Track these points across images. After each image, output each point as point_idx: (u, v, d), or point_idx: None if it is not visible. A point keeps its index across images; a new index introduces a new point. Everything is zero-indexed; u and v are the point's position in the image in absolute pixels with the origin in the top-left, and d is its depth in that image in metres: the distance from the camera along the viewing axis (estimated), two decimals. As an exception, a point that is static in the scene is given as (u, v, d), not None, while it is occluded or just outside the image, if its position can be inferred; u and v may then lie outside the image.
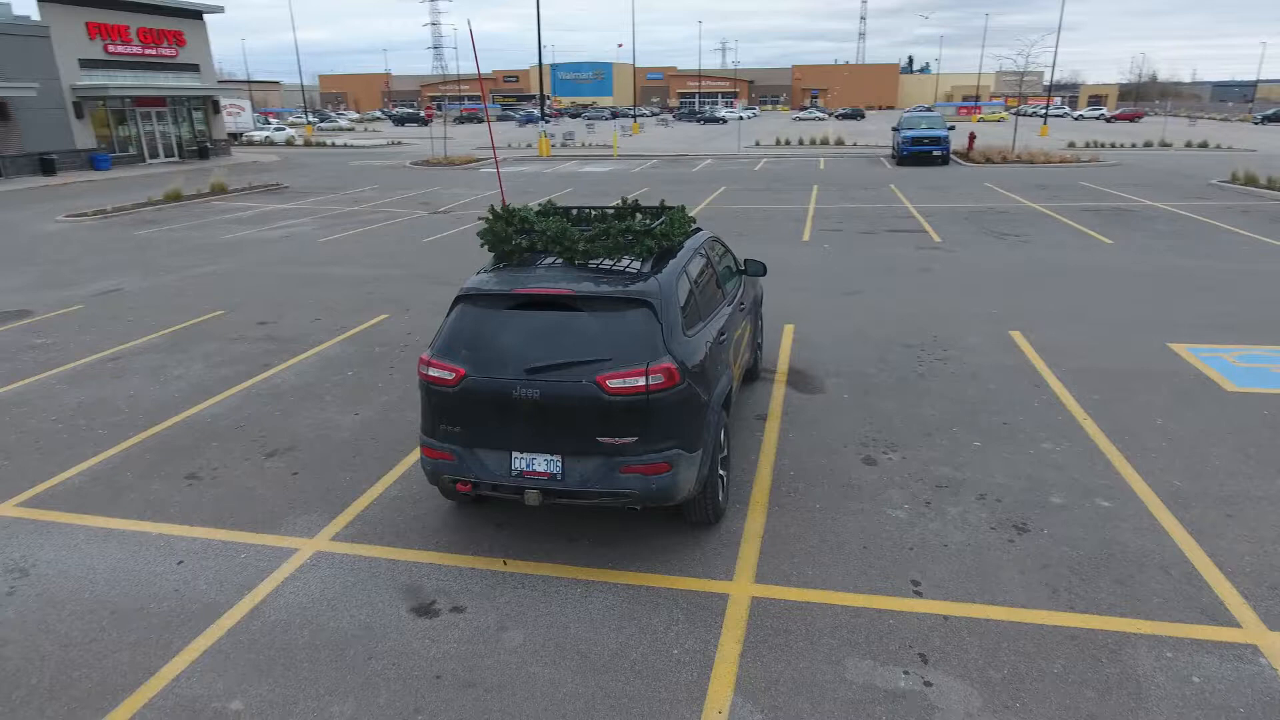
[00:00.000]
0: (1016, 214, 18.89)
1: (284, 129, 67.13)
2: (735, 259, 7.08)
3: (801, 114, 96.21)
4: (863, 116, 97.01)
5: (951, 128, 36.68)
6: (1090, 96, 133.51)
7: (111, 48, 34.94)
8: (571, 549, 5.07)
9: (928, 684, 3.87)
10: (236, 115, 50.83)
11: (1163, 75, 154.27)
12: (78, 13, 33.49)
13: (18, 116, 31.12)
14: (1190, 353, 8.51)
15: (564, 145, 47.56)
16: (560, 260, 5.26)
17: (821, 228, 17.52)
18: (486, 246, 5.50)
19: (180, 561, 5.04)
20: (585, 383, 4.49)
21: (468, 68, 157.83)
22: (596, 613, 4.47)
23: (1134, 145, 43.26)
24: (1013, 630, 4.23)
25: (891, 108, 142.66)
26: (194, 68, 39.53)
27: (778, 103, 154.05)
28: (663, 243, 5.41)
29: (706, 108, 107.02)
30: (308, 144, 54.70)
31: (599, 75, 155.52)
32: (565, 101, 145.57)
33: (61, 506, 5.77)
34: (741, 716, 3.72)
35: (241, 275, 13.57)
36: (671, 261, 5.30)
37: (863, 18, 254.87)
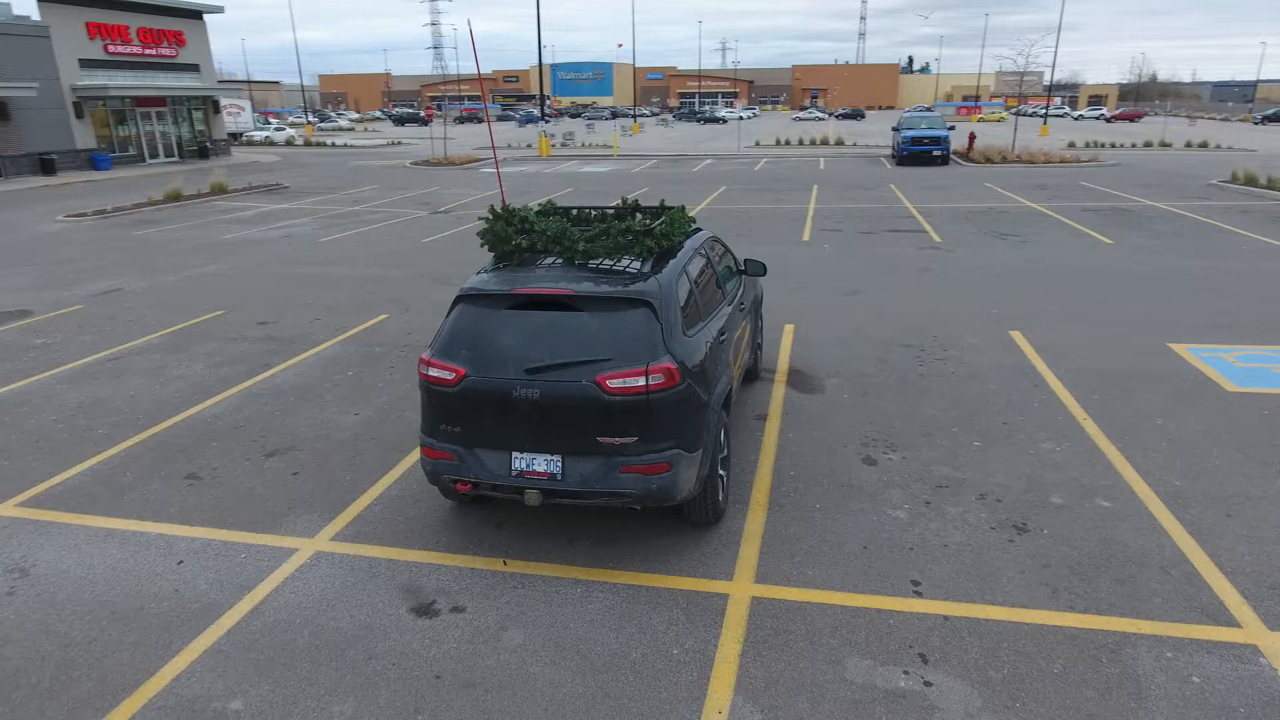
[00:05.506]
0: (1017, 214, 18.89)
1: (284, 129, 67.17)
2: (735, 259, 7.08)
3: (801, 114, 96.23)
4: (863, 116, 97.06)
5: (951, 128, 36.69)
6: (1090, 96, 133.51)
7: (111, 48, 34.94)
8: (571, 549, 5.07)
9: (928, 684, 3.87)
10: (236, 115, 50.79)
11: (1163, 75, 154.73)
12: (78, 13, 33.49)
13: (18, 116, 31.12)
14: (1190, 353, 8.51)
15: (564, 145, 47.56)
16: (560, 260, 5.26)
17: (821, 227, 17.52)
18: (486, 246, 5.49)
19: (180, 561, 5.04)
20: (585, 383, 4.49)
21: (468, 68, 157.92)
22: (596, 613, 4.47)
23: (1134, 145, 43.26)
24: (1013, 630, 4.23)
25: (891, 108, 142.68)
26: (194, 68, 39.53)
27: (778, 103, 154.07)
28: (663, 243, 5.41)
29: (706, 108, 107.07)
30: (308, 144, 54.69)
31: (599, 75, 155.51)
32: (565, 101, 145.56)
33: (61, 506, 5.77)
34: (741, 716, 3.72)
35: (241, 275, 13.57)
36: (671, 261, 5.29)
37: (863, 18, 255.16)
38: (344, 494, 5.86)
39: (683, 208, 5.99)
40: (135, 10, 35.84)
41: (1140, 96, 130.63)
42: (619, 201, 6.42)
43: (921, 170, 30.81)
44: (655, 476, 4.57)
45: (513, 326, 4.75)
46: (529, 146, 46.18)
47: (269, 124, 69.07)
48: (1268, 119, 76.83)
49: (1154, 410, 7.03)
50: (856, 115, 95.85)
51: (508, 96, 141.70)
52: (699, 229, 6.44)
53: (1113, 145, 43.00)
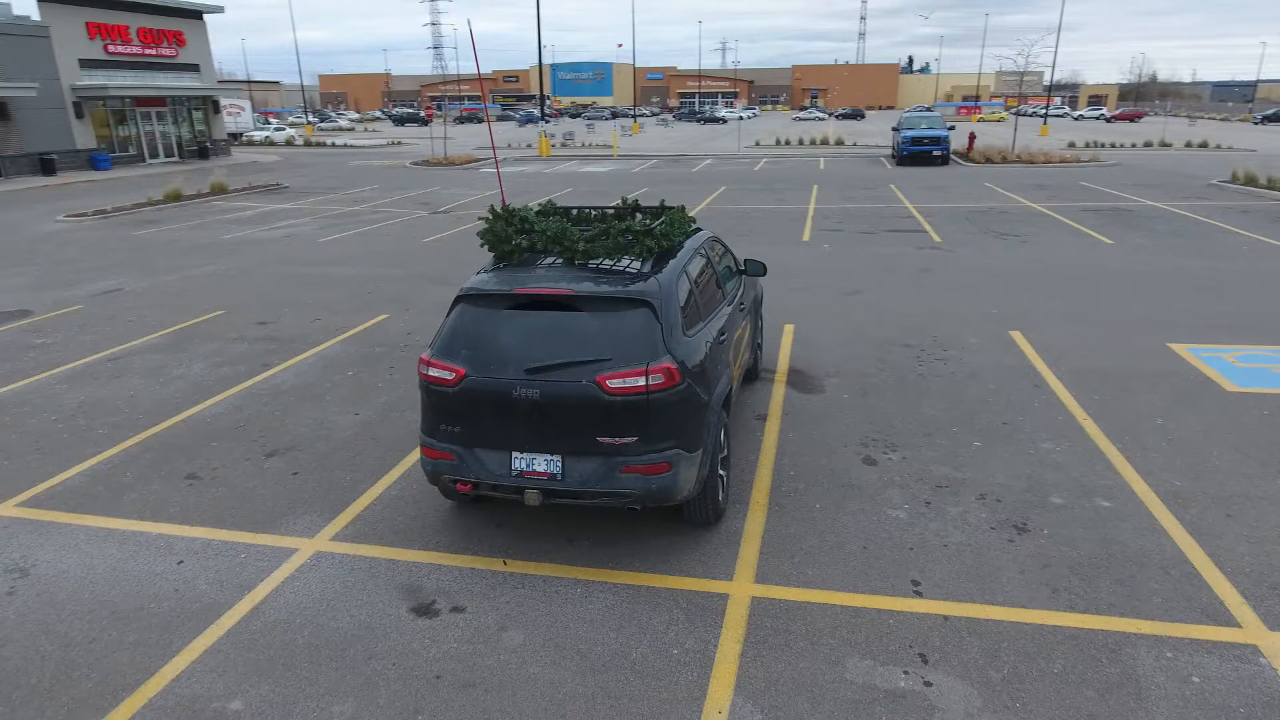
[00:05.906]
0: (1016, 214, 18.89)
1: (284, 129, 67.17)
2: (735, 259, 7.08)
3: (801, 114, 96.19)
4: (863, 117, 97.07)
5: (951, 128, 36.70)
6: (1090, 96, 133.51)
7: (111, 48, 34.94)
8: (571, 549, 5.07)
9: (928, 684, 3.87)
10: (236, 115, 50.81)
11: (1163, 75, 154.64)
12: (78, 13, 33.49)
13: (18, 116, 31.11)
14: (1190, 353, 8.51)
15: (564, 145, 47.56)
16: (560, 260, 5.26)
17: (821, 228, 17.52)
18: (486, 246, 5.49)
19: (180, 561, 5.04)
20: (585, 383, 4.49)
21: (468, 68, 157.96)
22: (596, 613, 4.47)
23: (1134, 145, 43.26)
24: (1013, 630, 4.23)
25: (891, 108, 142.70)
26: (194, 68, 39.53)
27: (778, 103, 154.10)
28: (663, 243, 5.41)
29: (706, 108, 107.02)
30: (308, 144, 54.69)
31: (599, 75, 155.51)
32: (565, 101, 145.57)
33: (61, 506, 5.77)
34: (741, 716, 3.72)
35: (241, 275, 13.57)
36: (671, 261, 5.29)
37: (863, 18, 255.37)
38: (344, 494, 5.86)
39: (683, 208, 5.99)
40: (135, 10, 35.84)
41: (1140, 96, 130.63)
42: (619, 201, 6.42)
43: (921, 170, 30.81)
44: (655, 476, 4.57)
45: (513, 326, 4.75)
46: (529, 146, 46.19)
47: (269, 124, 69.09)
48: (1268, 119, 76.83)
49: (1154, 410, 7.03)
50: (856, 115, 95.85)
51: (508, 96, 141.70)
52: (699, 229, 6.44)
53: (1113, 145, 43.00)
